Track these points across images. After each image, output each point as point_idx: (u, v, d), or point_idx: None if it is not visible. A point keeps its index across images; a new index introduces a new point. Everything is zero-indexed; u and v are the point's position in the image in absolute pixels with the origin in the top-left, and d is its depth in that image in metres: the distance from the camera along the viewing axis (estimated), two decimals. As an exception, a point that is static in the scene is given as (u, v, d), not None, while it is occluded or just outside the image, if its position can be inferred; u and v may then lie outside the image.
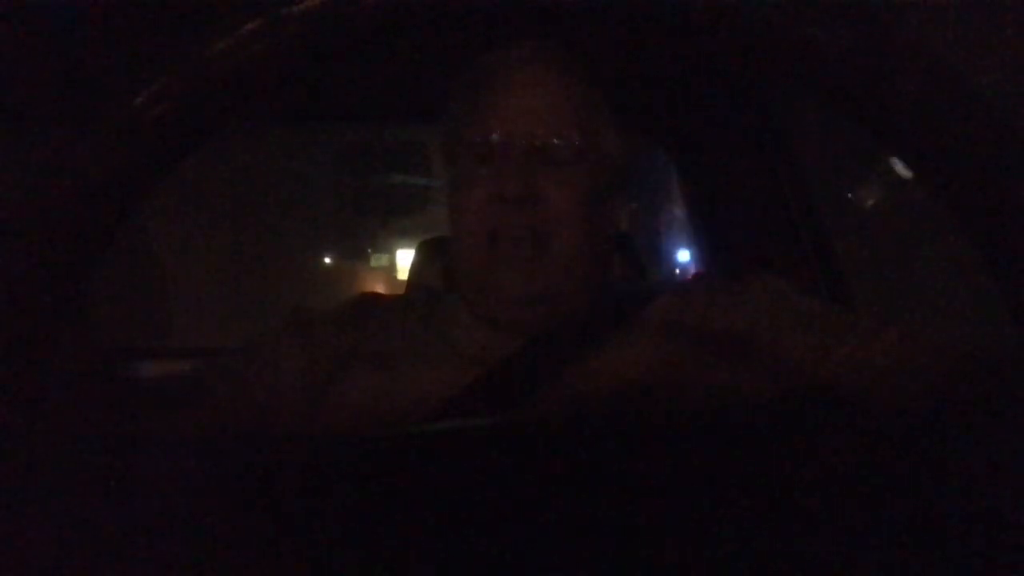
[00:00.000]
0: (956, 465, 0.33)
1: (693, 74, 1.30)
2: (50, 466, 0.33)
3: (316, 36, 0.29)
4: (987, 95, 0.25)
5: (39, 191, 0.29)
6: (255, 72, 0.30)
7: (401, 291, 1.02)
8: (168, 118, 0.29)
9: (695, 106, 1.40)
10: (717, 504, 0.32)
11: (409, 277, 1.15)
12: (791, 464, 0.33)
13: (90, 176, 0.29)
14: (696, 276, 0.88)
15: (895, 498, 0.32)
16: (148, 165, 0.30)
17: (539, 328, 0.77)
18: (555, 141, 0.74)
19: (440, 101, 0.85)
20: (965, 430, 0.38)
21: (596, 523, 0.32)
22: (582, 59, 0.79)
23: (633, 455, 0.33)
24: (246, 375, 0.78)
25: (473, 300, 0.79)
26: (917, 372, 0.62)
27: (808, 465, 0.33)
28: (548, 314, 0.76)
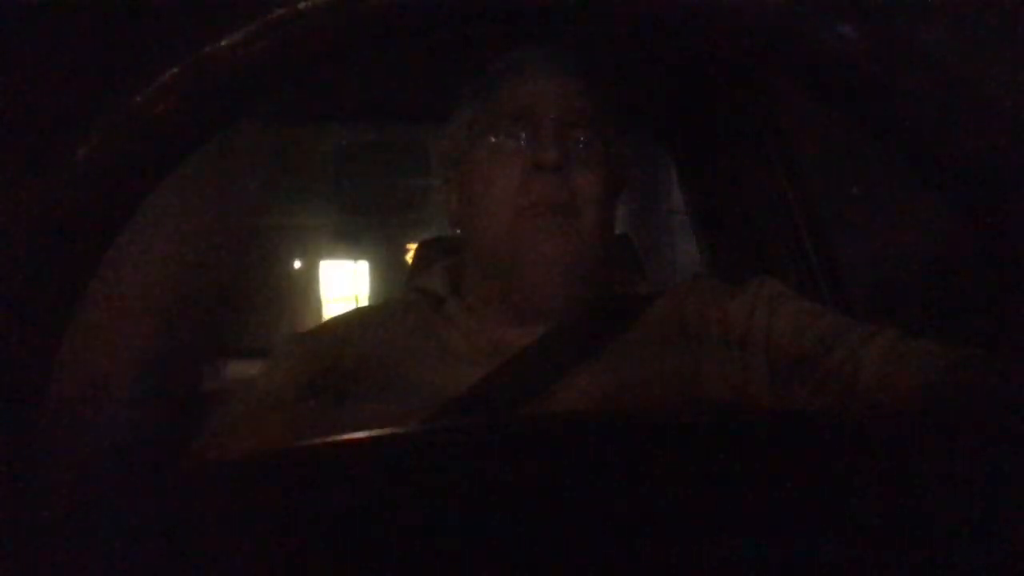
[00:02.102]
0: (950, 470, 0.33)
1: (693, 74, 1.30)
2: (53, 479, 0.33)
3: (323, 34, 0.29)
4: (998, 98, 0.25)
5: (38, 190, 0.29)
6: (260, 69, 0.30)
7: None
8: (171, 115, 0.29)
9: (695, 106, 1.40)
10: (715, 507, 0.32)
11: (408, 278, 1.15)
12: (788, 468, 0.33)
13: (89, 174, 0.29)
14: (695, 277, 0.88)
15: (887, 504, 0.32)
16: (149, 162, 0.30)
17: (554, 319, 0.78)
18: (580, 122, 0.77)
19: (440, 101, 0.86)
20: (960, 435, 0.38)
21: (595, 525, 0.32)
22: (587, 60, 0.81)
23: (631, 457, 0.33)
24: (258, 399, 0.80)
25: (500, 278, 0.79)
26: (915, 375, 0.61)
27: (804, 469, 0.33)
28: (567, 299, 0.77)
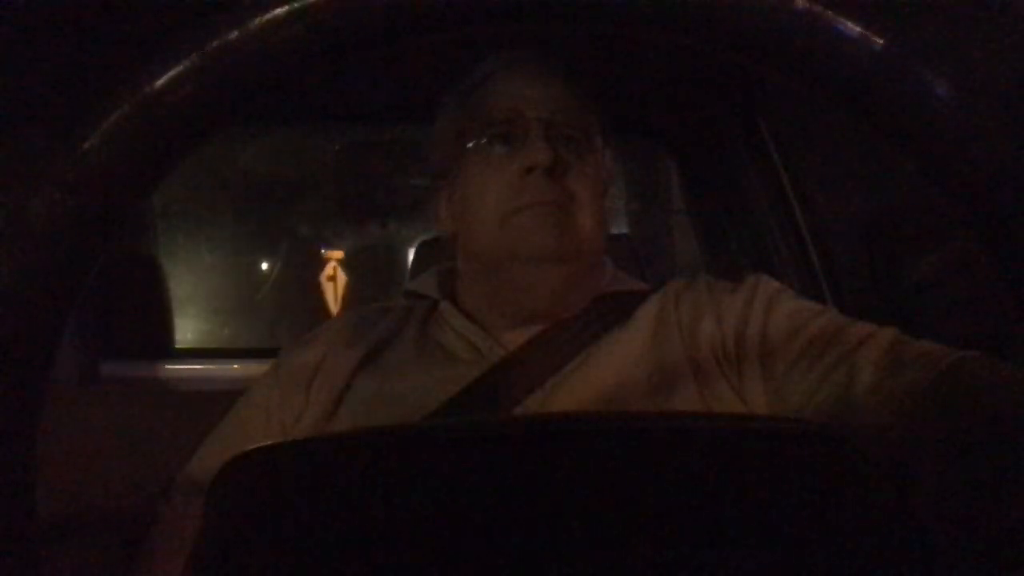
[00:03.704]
0: (949, 479, 0.33)
1: (693, 74, 1.30)
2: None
3: (339, 29, 0.29)
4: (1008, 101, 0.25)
5: (41, 184, 0.29)
6: (270, 63, 0.29)
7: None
8: (177, 109, 0.29)
9: (695, 106, 1.40)
10: (707, 511, 0.32)
11: (408, 278, 1.15)
12: (780, 473, 0.33)
13: (94, 168, 0.29)
14: (692, 276, 0.87)
15: (881, 512, 0.32)
16: (153, 157, 0.30)
17: (548, 320, 0.78)
18: (569, 124, 0.77)
19: (439, 101, 0.86)
20: (958, 443, 0.37)
21: (590, 525, 0.31)
22: (583, 59, 0.81)
23: (622, 457, 0.33)
24: (247, 416, 0.81)
25: (494, 280, 0.79)
26: (913, 376, 0.61)
27: (795, 475, 0.33)
28: (561, 299, 0.77)
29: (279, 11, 0.29)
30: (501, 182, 0.75)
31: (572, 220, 0.75)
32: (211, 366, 1.44)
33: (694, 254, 1.61)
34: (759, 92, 1.31)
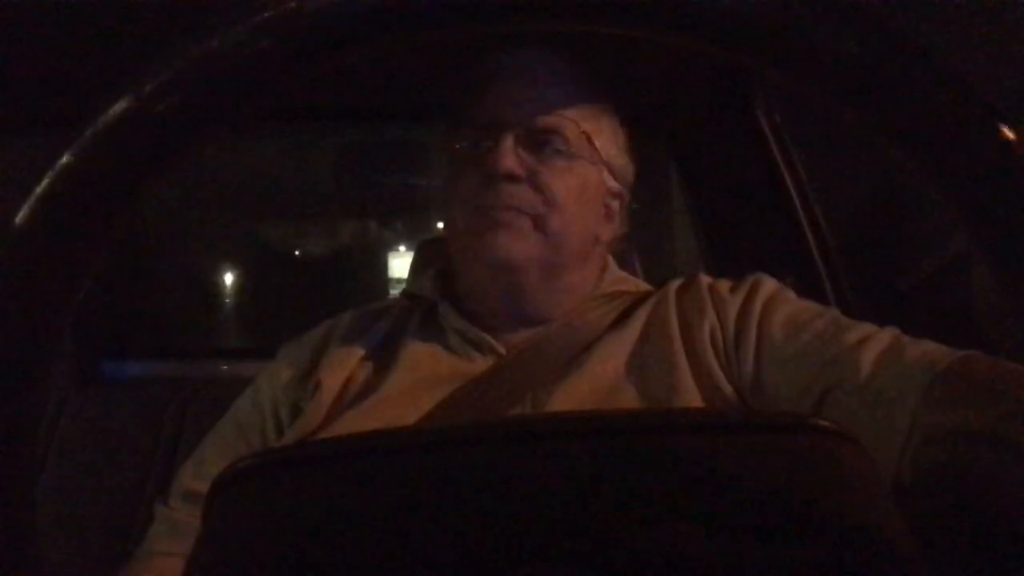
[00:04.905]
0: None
1: (693, 74, 1.30)
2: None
3: (323, 34, 0.29)
4: (995, 101, 0.25)
5: (40, 188, 0.29)
6: (260, 68, 0.29)
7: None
8: (170, 115, 0.29)
9: (695, 106, 1.40)
10: (706, 507, 0.32)
11: (408, 277, 1.15)
12: (780, 468, 0.33)
13: (89, 174, 0.29)
14: (691, 276, 0.87)
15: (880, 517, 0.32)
16: (147, 163, 0.30)
17: (543, 322, 0.78)
18: (554, 131, 0.77)
19: (440, 101, 0.86)
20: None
21: (589, 525, 0.31)
22: (583, 61, 0.81)
23: (622, 456, 0.33)
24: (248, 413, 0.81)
25: (466, 280, 0.80)
26: (914, 376, 0.61)
27: (795, 471, 0.33)
28: (527, 303, 0.78)
29: (259, 20, 0.28)
30: (469, 184, 0.76)
31: (543, 225, 0.75)
32: (211, 366, 1.44)
33: (694, 254, 1.60)
34: (759, 91, 1.31)
